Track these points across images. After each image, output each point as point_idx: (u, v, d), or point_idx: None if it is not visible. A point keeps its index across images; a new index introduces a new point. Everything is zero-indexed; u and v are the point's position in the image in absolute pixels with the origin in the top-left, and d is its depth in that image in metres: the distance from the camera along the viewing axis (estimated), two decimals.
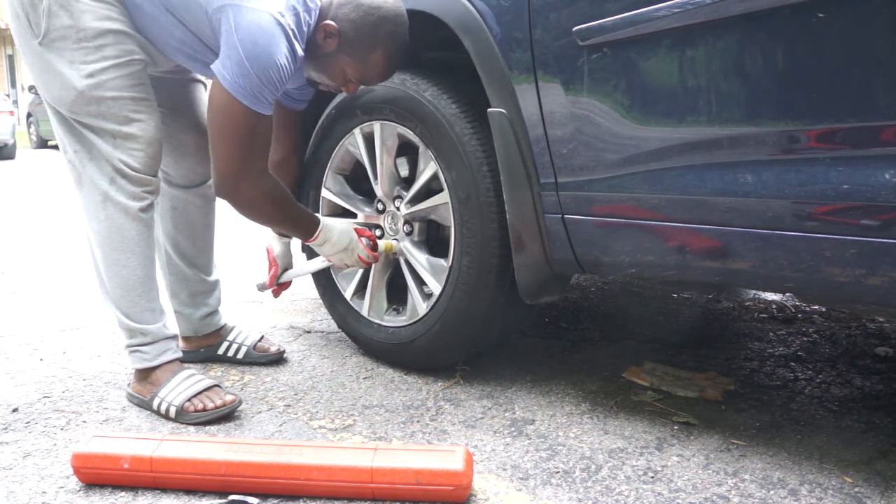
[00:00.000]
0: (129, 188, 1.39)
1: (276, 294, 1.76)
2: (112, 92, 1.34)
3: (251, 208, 1.40)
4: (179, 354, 1.53)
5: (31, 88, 12.88)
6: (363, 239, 1.56)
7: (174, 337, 1.52)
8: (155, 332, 1.47)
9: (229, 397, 1.44)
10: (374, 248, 1.60)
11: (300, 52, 1.30)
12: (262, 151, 1.35)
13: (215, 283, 1.75)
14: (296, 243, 1.76)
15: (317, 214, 1.53)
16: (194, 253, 1.69)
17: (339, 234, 1.52)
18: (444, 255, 1.56)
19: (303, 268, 1.73)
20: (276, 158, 1.65)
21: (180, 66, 1.55)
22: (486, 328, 1.55)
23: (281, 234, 1.73)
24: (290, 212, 1.45)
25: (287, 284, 1.76)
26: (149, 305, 1.46)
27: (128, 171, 1.38)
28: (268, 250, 1.74)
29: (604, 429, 1.37)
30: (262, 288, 1.77)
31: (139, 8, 1.35)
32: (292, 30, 1.27)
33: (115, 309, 1.46)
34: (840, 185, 1.02)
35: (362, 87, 1.61)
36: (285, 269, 1.75)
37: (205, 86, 1.66)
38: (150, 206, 1.44)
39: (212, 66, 1.28)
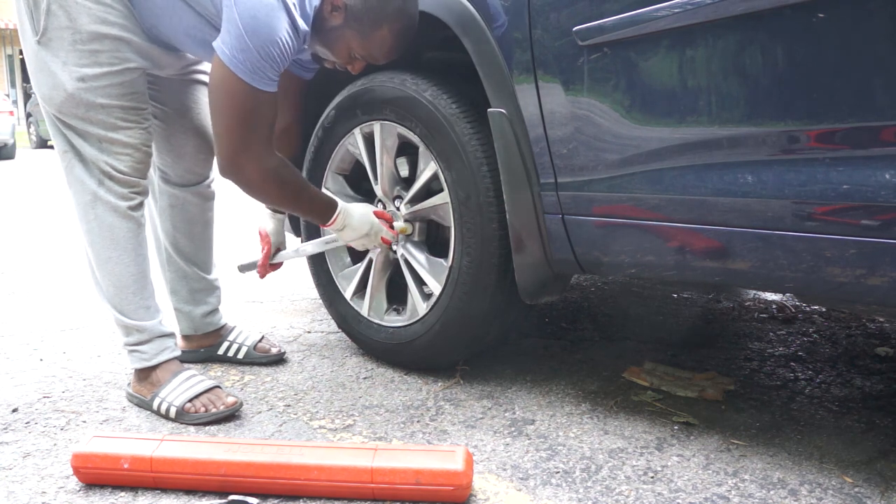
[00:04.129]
0: (118, 189, 1.40)
1: (263, 274, 1.69)
2: (102, 99, 1.34)
3: (257, 189, 1.37)
4: (178, 353, 1.53)
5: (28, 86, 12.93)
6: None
7: (171, 335, 1.52)
8: (151, 329, 1.47)
9: (230, 399, 1.44)
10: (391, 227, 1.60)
11: (303, 26, 1.27)
12: (265, 129, 1.31)
13: (215, 282, 1.75)
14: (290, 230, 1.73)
15: (335, 198, 1.50)
16: (192, 250, 1.69)
17: (359, 218, 1.51)
18: (444, 255, 1.56)
19: (297, 249, 1.70)
20: (279, 127, 1.56)
21: (185, 68, 1.55)
22: (486, 328, 1.55)
23: (275, 211, 1.69)
24: (302, 194, 1.43)
25: (278, 265, 1.71)
26: (143, 303, 1.46)
27: (115, 174, 1.38)
28: (260, 231, 1.69)
29: (604, 429, 1.37)
30: (244, 269, 1.72)
31: (148, 0, 1.34)
32: (294, 2, 1.24)
33: (110, 307, 1.46)
34: (840, 185, 1.02)
35: (362, 87, 1.61)
36: (278, 249, 1.70)
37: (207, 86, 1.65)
38: (140, 205, 1.44)
39: (213, 43, 1.26)
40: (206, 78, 1.62)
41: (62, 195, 5.64)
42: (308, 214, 1.49)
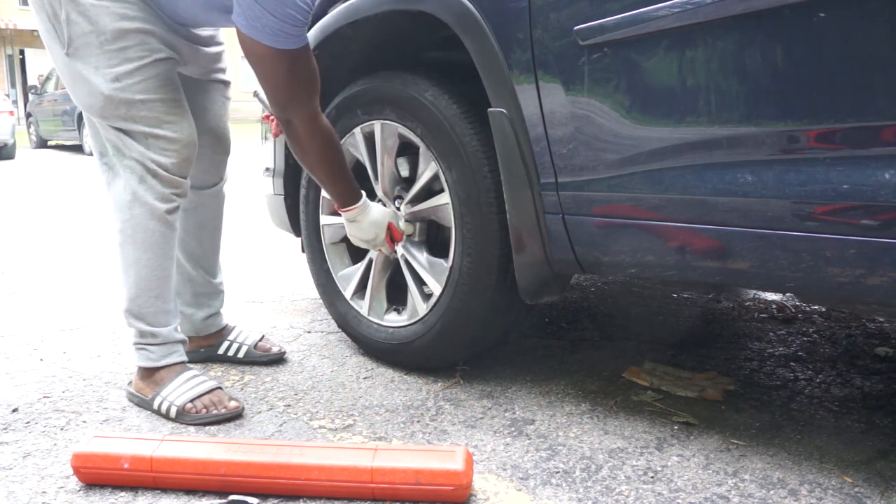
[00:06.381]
0: (159, 189, 1.40)
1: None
2: (140, 94, 1.34)
3: (305, 143, 1.37)
4: (185, 358, 1.53)
5: (31, 89, 13.04)
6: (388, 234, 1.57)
7: (182, 341, 1.52)
8: (165, 335, 1.47)
9: (232, 403, 1.43)
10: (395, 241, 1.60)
11: None
12: (307, 84, 1.32)
13: (220, 286, 1.75)
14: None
15: (363, 192, 1.51)
16: (201, 254, 1.69)
17: (369, 224, 1.52)
18: (444, 255, 1.56)
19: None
20: None
21: (207, 66, 1.55)
22: (486, 328, 1.55)
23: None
24: (339, 165, 1.44)
25: None
26: (163, 307, 1.46)
27: (160, 171, 1.39)
28: None
29: (604, 429, 1.37)
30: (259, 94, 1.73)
31: None
32: None
33: (129, 307, 1.46)
34: (840, 185, 1.02)
35: (363, 87, 1.61)
36: None
37: (226, 85, 1.66)
38: (177, 210, 1.45)
39: (232, 17, 1.26)
40: (225, 77, 1.64)
41: (62, 195, 5.64)
42: (334, 189, 1.48)
